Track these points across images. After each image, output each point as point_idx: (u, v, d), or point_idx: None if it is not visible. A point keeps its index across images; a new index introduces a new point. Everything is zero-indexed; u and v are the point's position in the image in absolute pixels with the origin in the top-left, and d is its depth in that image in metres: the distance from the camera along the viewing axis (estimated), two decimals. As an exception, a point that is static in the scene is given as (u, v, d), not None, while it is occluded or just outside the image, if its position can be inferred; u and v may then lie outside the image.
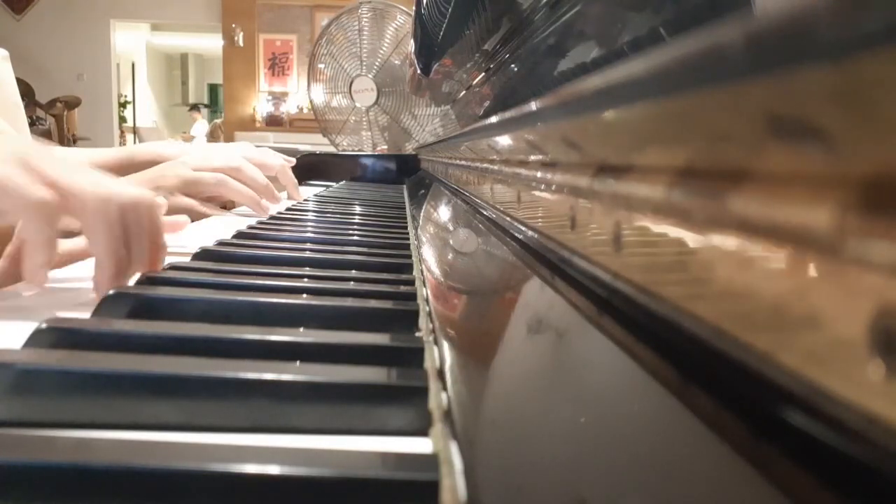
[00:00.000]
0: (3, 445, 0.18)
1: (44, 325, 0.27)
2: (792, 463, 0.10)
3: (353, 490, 0.17)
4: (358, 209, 0.92)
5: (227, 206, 0.97)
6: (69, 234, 0.44)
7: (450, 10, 0.62)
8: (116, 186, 0.39)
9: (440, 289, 0.38)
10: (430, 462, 0.18)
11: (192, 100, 10.17)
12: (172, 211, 0.85)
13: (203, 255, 0.47)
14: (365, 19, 1.92)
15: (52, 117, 6.02)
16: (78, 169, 0.39)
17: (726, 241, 0.13)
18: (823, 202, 0.10)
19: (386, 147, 2.00)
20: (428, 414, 0.22)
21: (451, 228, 0.63)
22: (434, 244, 0.57)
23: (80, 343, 0.26)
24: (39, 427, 0.22)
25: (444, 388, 0.23)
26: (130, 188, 0.40)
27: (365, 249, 0.56)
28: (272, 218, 0.76)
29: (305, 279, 0.42)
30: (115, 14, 6.97)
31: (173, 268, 0.41)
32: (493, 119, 0.43)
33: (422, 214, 0.81)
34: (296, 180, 1.14)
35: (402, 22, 1.88)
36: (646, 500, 0.12)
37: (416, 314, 0.34)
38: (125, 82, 8.28)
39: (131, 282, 0.38)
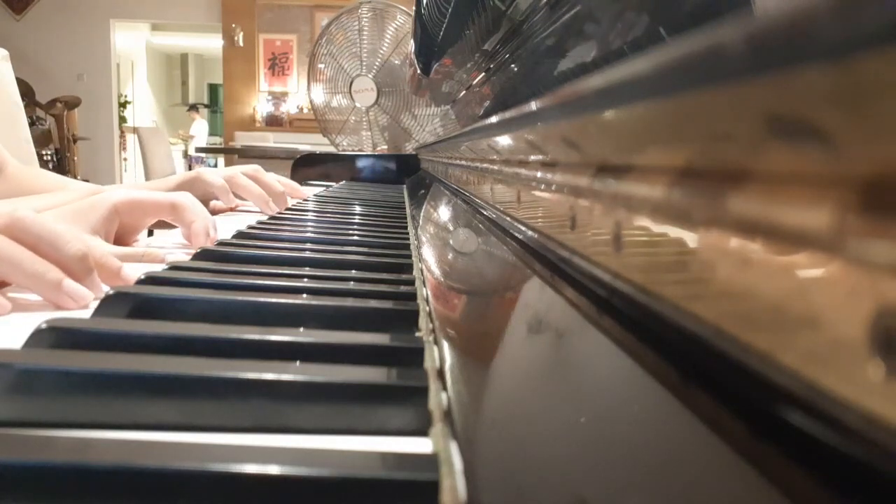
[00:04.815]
0: (3, 445, 0.18)
1: (44, 325, 0.27)
2: (792, 463, 0.10)
3: (353, 490, 0.17)
4: (358, 209, 0.92)
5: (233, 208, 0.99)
6: None
7: (450, 10, 0.62)
8: None
9: (440, 289, 0.38)
10: (430, 462, 0.18)
11: (192, 100, 10.15)
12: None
13: (203, 255, 0.47)
14: (365, 19, 1.92)
15: (52, 117, 6.01)
16: None
17: (726, 241, 0.13)
18: (823, 202, 0.10)
19: (386, 147, 2.00)
20: (428, 414, 0.22)
21: (451, 228, 0.63)
22: (434, 244, 0.57)
23: (80, 343, 0.26)
24: (39, 427, 0.22)
25: (444, 388, 0.23)
26: None
27: (365, 249, 0.56)
28: (272, 218, 0.76)
29: (305, 279, 0.42)
30: (115, 14, 6.96)
31: (173, 268, 0.41)
32: (493, 119, 0.43)
33: (422, 214, 0.81)
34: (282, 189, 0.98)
35: (402, 22, 1.88)
36: (646, 500, 0.12)
37: (416, 314, 0.34)
38: (125, 82, 8.27)
39: (132, 282, 0.38)
